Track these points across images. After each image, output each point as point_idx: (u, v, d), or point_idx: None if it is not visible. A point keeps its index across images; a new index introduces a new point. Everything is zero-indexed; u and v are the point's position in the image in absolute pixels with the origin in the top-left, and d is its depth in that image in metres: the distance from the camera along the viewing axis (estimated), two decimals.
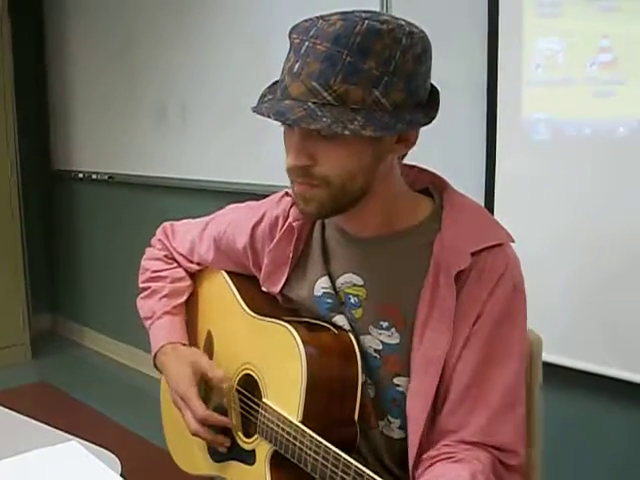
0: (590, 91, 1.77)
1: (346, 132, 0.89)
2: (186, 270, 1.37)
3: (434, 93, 1.00)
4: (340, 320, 1.08)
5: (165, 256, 1.37)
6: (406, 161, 1.09)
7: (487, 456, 0.95)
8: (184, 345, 1.28)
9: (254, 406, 1.13)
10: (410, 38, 0.92)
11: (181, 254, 1.35)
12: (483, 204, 1.97)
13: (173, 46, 3.20)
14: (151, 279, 1.36)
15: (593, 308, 1.83)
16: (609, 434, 1.90)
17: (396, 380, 1.04)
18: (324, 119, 0.89)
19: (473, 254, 0.99)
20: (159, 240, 1.39)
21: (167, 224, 1.40)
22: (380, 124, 0.91)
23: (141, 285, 1.37)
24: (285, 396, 1.05)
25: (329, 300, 1.09)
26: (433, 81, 1.01)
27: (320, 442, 0.96)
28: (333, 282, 1.10)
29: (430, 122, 0.97)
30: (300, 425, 1.00)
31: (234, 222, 1.25)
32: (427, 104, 0.98)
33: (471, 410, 0.97)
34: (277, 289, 1.16)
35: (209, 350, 1.30)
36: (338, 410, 1.03)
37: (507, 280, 0.99)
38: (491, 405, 0.97)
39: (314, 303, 1.11)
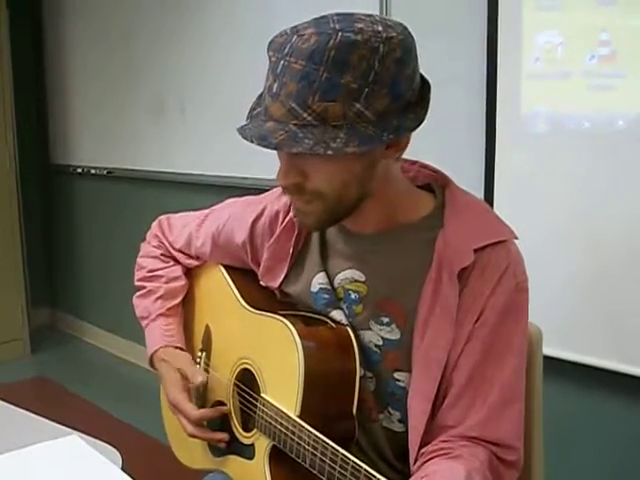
0: (589, 85, 1.76)
1: (329, 152, 0.88)
2: (185, 266, 1.36)
3: (424, 89, 0.97)
4: (337, 315, 1.08)
5: (161, 254, 1.37)
6: (404, 155, 1.09)
7: (484, 452, 0.95)
8: (177, 348, 1.29)
9: (252, 401, 1.13)
10: (388, 44, 0.89)
11: (178, 249, 1.35)
12: (482, 198, 1.97)
13: (172, 41, 3.19)
14: (147, 278, 1.36)
15: (593, 301, 1.83)
16: (608, 427, 1.90)
17: (396, 375, 1.04)
18: (306, 141, 0.88)
19: (476, 251, 0.99)
20: (155, 235, 1.38)
21: (163, 217, 1.39)
22: (364, 137, 0.89)
23: (137, 283, 1.37)
24: (283, 390, 1.05)
25: (326, 296, 1.09)
26: (431, 75, 0.99)
27: (318, 437, 0.96)
28: (331, 278, 1.09)
29: (418, 126, 0.95)
30: (297, 420, 1.00)
31: (233, 216, 1.25)
32: (416, 102, 0.95)
33: (470, 405, 0.97)
34: (276, 284, 1.16)
35: (207, 345, 1.30)
36: (336, 404, 1.03)
37: (509, 277, 0.99)
38: (490, 401, 0.97)
39: (311, 299, 1.11)
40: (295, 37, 0.90)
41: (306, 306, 1.13)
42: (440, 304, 0.98)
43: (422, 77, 0.98)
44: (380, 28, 0.90)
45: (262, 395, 1.09)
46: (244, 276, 1.25)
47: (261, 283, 1.19)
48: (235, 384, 1.19)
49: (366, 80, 0.88)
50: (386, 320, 1.04)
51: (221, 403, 1.22)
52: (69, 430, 1.19)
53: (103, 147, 3.78)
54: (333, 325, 1.07)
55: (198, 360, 1.30)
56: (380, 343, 1.05)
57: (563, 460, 1.86)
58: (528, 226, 1.86)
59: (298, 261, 1.14)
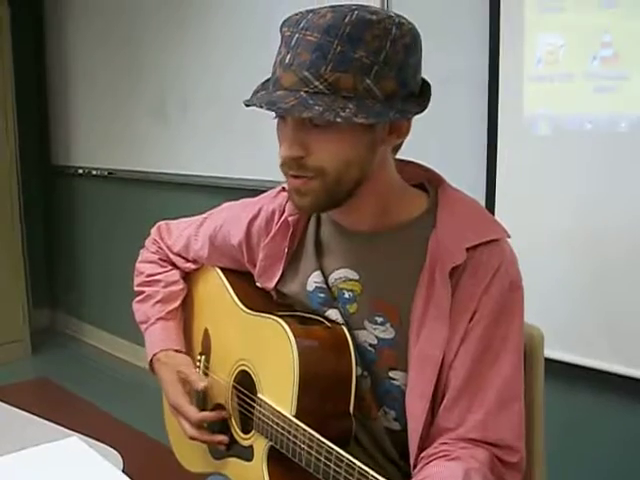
0: (591, 86, 1.76)
1: (338, 119, 0.89)
2: (183, 270, 1.37)
3: (425, 87, 1.00)
4: (333, 314, 1.08)
5: (160, 259, 1.37)
6: (406, 157, 1.09)
7: (485, 454, 0.95)
8: (176, 351, 1.29)
9: (250, 402, 1.13)
10: (400, 29, 0.93)
11: (176, 253, 1.36)
12: (484, 199, 1.97)
13: (173, 42, 3.19)
14: (145, 283, 1.36)
15: (593, 303, 1.83)
16: (609, 430, 1.90)
17: (392, 374, 1.04)
18: (316, 107, 0.89)
19: (468, 250, 0.98)
20: (154, 241, 1.39)
21: (162, 223, 1.40)
22: (372, 112, 0.91)
23: (136, 289, 1.38)
24: (279, 391, 1.04)
25: (321, 295, 1.09)
26: (433, 77, 1.01)
27: (313, 435, 0.96)
28: (326, 277, 1.09)
29: (422, 111, 0.97)
30: (293, 419, 1.00)
31: (230, 218, 1.25)
32: (419, 96, 0.98)
33: (468, 407, 0.97)
34: (272, 285, 1.16)
35: (207, 348, 1.30)
36: (332, 403, 1.03)
37: (502, 276, 0.99)
38: (488, 402, 0.96)
39: (307, 298, 1.11)
40: (311, 14, 0.93)
41: (302, 306, 1.13)
42: (434, 303, 0.98)
43: (423, 78, 1.00)
44: (392, 14, 0.94)
45: (259, 396, 1.09)
46: (241, 278, 1.25)
47: (257, 284, 1.20)
48: (234, 386, 1.19)
49: (377, 58, 0.91)
50: (380, 319, 1.04)
51: (221, 406, 1.22)
52: (70, 432, 1.19)
53: (104, 148, 3.78)
54: (329, 325, 1.07)
55: (198, 364, 1.30)
56: (374, 342, 1.05)
57: (564, 463, 1.86)
58: (530, 227, 1.86)
59: (294, 260, 1.14)
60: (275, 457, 1.06)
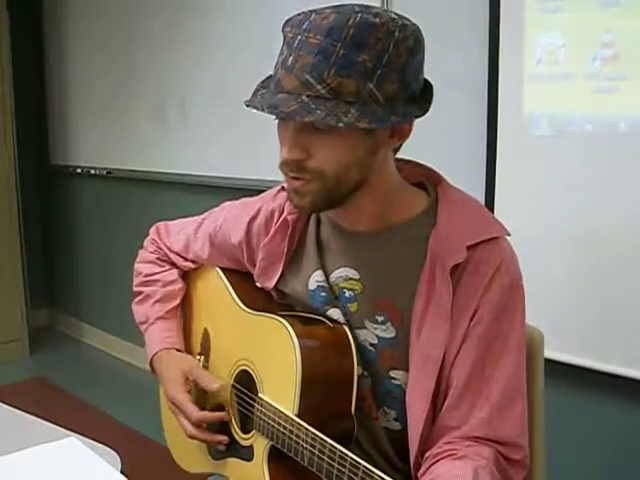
0: (591, 87, 1.76)
1: (340, 124, 0.89)
2: (181, 269, 1.37)
3: (427, 88, 1.00)
4: (334, 314, 1.08)
5: (158, 258, 1.37)
6: (405, 156, 1.09)
7: (490, 451, 0.95)
8: (177, 350, 1.29)
9: (251, 402, 1.13)
10: (403, 31, 0.92)
11: (175, 252, 1.35)
12: (484, 199, 1.96)
13: (174, 43, 3.19)
14: (144, 283, 1.36)
15: (593, 304, 1.82)
16: (608, 430, 1.90)
17: (392, 373, 1.04)
18: (318, 112, 0.89)
19: (469, 248, 0.98)
20: (152, 241, 1.39)
21: (161, 224, 1.40)
22: (374, 116, 0.91)
23: (135, 289, 1.38)
24: (281, 390, 1.04)
25: (323, 294, 1.09)
26: (433, 76, 1.00)
27: (316, 435, 0.96)
28: (327, 276, 1.09)
29: (424, 114, 0.97)
30: (296, 419, 1.00)
31: (229, 218, 1.25)
32: (420, 98, 0.98)
33: (472, 405, 0.97)
34: (272, 284, 1.16)
35: (206, 348, 1.30)
36: (334, 403, 1.03)
37: (503, 274, 0.99)
38: (491, 400, 0.97)
39: (308, 297, 1.11)
40: (314, 15, 0.92)
41: (303, 305, 1.13)
42: (434, 302, 0.98)
43: (425, 78, 1.00)
44: (395, 16, 0.93)
45: (260, 395, 1.09)
46: (241, 279, 1.25)
47: (257, 284, 1.19)
48: (233, 386, 1.19)
49: (380, 61, 0.90)
50: (381, 318, 1.04)
51: (221, 405, 1.21)
52: (68, 432, 1.19)
53: (103, 148, 3.78)
54: (330, 324, 1.07)
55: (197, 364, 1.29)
56: (375, 342, 1.05)
57: (564, 463, 1.86)
58: (529, 227, 1.86)
59: (294, 260, 1.14)
60: (276, 457, 1.06)
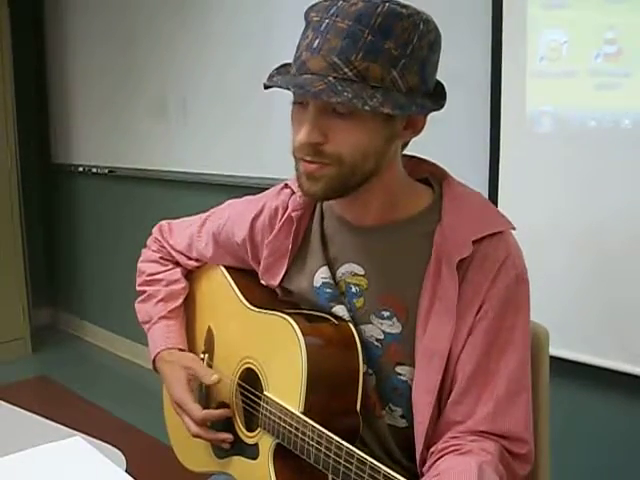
0: (595, 83, 1.75)
1: (366, 107, 0.89)
2: (185, 267, 1.36)
3: (440, 87, 1.01)
4: (340, 310, 1.08)
5: (161, 257, 1.37)
6: (410, 152, 1.09)
7: (495, 446, 0.95)
8: (180, 350, 1.29)
9: (256, 399, 1.12)
10: (426, 25, 0.94)
11: (179, 251, 1.35)
12: (487, 196, 1.96)
13: (175, 41, 3.18)
14: (147, 282, 1.36)
15: (596, 300, 1.82)
16: (612, 427, 1.89)
17: (398, 369, 1.04)
18: (345, 93, 0.89)
19: (474, 242, 0.99)
20: (155, 240, 1.39)
21: (164, 222, 1.40)
22: (397, 103, 0.92)
23: (138, 288, 1.38)
24: (286, 388, 1.04)
25: (328, 290, 1.09)
26: (437, 73, 1.01)
27: (322, 432, 0.96)
28: (333, 272, 1.09)
29: (440, 108, 0.98)
30: (302, 416, 1.00)
31: (233, 216, 1.25)
32: (435, 94, 0.99)
33: (477, 399, 0.97)
34: (276, 282, 1.16)
35: (210, 346, 1.30)
36: (340, 401, 1.03)
37: (509, 268, 0.99)
38: (496, 394, 0.97)
39: (314, 294, 1.11)
40: (341, 1, 0.93)
41: (308, 302, 1.12)
42: (440, 297, 0.98)
43: (437, 79, 1.01)
44: (420, 11, 0.95)
45: (265, 393, 1.09)
46: (245, 276, 1.25)
47: (262, 282, 1.19)
48: (238, 384, 1.19)
49: (405, 51, 0.92)
50: (387, 314, 1.04)
51: (225, 404, 1.21)
52: (72, 432, 1.19)
53: (104, 146, 3.78)
54: (336, 322, 1.07)
55: (201, 362, 1.29)
56: (381, 337, 1.05)
57: (569, 460, 1.86)
58: (532, 224, 1.85)
59: (299, 257, 1.14)
60: (281, 455, 1.06)
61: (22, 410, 1.33)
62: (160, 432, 1.42)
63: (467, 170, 1.98)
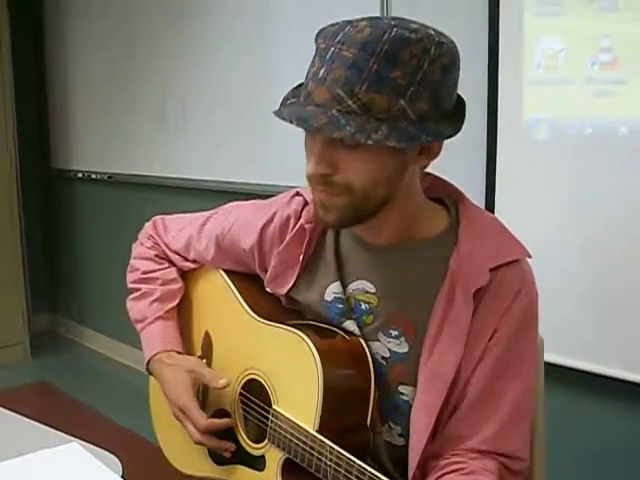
0: (591, 91, 1.76)
1: (370, 142, 0.87)
2: (180, 269, 1.34)
3: (460, 104, 0.99)
4: (350, 325, 1.07)
5: (156, 255, 1.34)
6: None
7: (494, 464, 0.96)
8: (179, 353, 1.26)
9: (262, 412, 1.11)
10: (439, 48, 0.90)
11: (174, 251, 1.32)
12: (484, 204, 1.96)
13: (175, 47, 3.19)
14: (141, 280, 1.33)
15: (593, 308, 1.82)
16: (610, 435, 1.89)
17: (401, 388, 1.04)
18: (347, 127, 0.87)
19: (491, 270, 0.98)
20: (149, 236, 1.35)
21: (158, 218, 1.37)
22: (404, 134, 0.89)
23: (130, 285, 1.35)
24: (299, 404, 1.03)
25: (340, 305, 1.09)
26: None
27: (342, 454, 0.94)
28: (344, 288, 1.09)
29: (455, 134, 0.95)
30: (317, 435, 0.98)
31: (240, 220, 1.22)
32: (453, 115, 0.96)
33: (482, 419, 0.97)
34: (284, 291, 1.14)
35: (208, 352, 1.28)
36: (353, 416, 1.03)
37: (523, 296, 1.00)
38: (502, 415, 0.98)
39: (323, 307, 1.10)
40: (349, 27, 0.90)
41: (316, 314, 1.12)
42: (451, 321, 0.98)
43: (458, 94, 0.99)
44: (432, 32, 0.92)
45: (274, 407, 1.08)
46: (246, 281, 1.23)
47: (267, 289, 1.18)
48: (241, 394, 1.18)
49: (414, 78, 0.89)
50: (395, 333, 1.03)
51: (223, 411, 1.20)
52: (69, 437, 1.18)
53: (104, 152, 3.78)
54: (346, 337, 1.06)
55: None
56: (387, 355, 1.04)
57: (564, 467, 1.85)
58: (529, 232, 1.84)
59: (309, 268, 1.13)
60: (290, 469, 1.05)
61: (19, 416, 1.32)
62: (156, 438, 1.42)
63: (464, 178, 1.99)
